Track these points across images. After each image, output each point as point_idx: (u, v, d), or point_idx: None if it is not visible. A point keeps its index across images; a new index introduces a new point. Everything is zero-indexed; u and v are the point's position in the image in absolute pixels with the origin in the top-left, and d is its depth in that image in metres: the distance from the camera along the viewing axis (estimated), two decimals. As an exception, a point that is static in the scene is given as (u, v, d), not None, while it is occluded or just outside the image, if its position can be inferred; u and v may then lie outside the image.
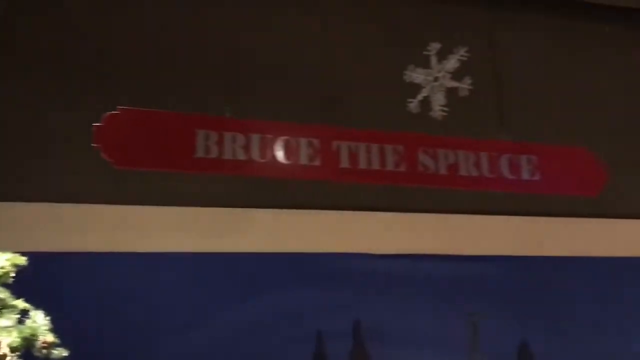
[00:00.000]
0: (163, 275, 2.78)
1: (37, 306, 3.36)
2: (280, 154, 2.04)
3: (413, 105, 2.28)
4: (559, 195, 2.59)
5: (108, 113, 1.99)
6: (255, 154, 2.01)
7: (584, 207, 3.28)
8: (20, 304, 3.88)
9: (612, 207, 3.36)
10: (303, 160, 2.05)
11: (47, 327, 2.63)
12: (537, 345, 3.26)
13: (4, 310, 3.49)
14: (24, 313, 3.55)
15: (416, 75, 2.28)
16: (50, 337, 2.56)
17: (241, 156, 2.00)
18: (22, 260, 4.16)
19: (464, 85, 2.23)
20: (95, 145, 1.94)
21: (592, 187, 2.38)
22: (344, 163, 2.10)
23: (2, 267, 3.90)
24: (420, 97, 2.27)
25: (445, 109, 2.23)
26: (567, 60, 3.54)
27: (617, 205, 3.39)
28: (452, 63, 2.23)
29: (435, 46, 2.24)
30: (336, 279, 3.00)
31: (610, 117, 3.51)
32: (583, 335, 3.32)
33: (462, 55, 2.21)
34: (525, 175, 2.25)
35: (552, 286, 3.36)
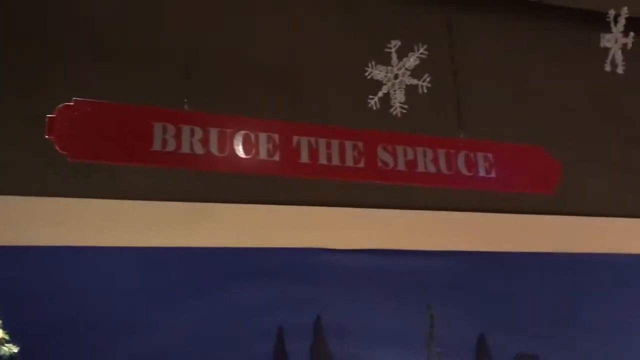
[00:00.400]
0: (118, 270, 2.73)
1: (-12, 302, 3.27)
2: (239, 149, 2.02)
3: (373, 102, 2.29)
4: (515, 193, 2.64)
5: (62, 104, 1.93)
6: (213, 148, 1.99)
7: (539, 204, 3.36)
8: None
9: (567, 204, 3.46)
10: (262, 155, 2.03)
11: (-3, 323, 2.55)
12: (495, 338, 3.35)
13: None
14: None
15: (377, 72, 2.28)
16: None
17: (199, 150, 1.98)
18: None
19: (423, 83, 2.25)
20: (48, 137, 1.88)
21: (546, 185, 2.42)
22: (304, 158, 2.09)
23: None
24: (380, 94, 2.27)
25: (404, 106, 2.24)
26: (524, 59, 3.63)
27: (571, 203, 3.49)
28: (411, 60, 2.24)
29: (395, 43, 2.25)
30: (295, 274, 3.03)
31: (565, 116, 3.61)
32: (540, 330, 3.44)
33: (421, 53, 2.22)
34: (482, 173, 2.28)
35: (509, 281, 3.46)
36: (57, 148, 1.87)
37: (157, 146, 1.93)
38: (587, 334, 3.54)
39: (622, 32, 2.43)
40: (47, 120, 1.89)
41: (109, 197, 2.72)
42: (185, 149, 1.95)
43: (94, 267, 2.85)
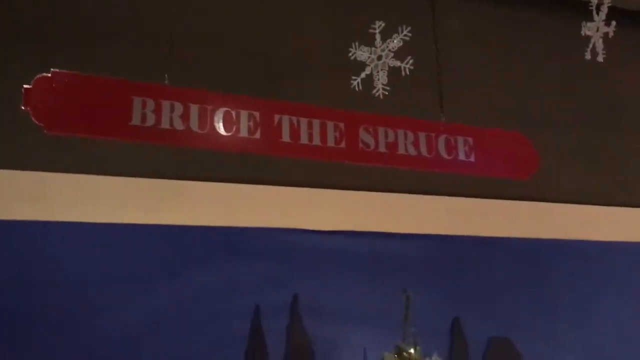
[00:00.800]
0: (93, 246, 2.68)
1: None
2: (219, 126, 2.00)
3: (356, 82, 2.28)
4: (492, 177, 2.67)
5: (39, 75, 1.89)
6: (193, 125, 1.97)
7: (515, 190, 3.40)
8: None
9: (543, 191, 3.51)
10: (243, 132, 2.02)
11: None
12: (469, 322, 3.43)
13: None
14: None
15: (361, 52, 2.27)
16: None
17: (179, 126, 1.95)
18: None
19: (406, 65, 2.24)
20: (24, 108, 1.84)
21: (524, 171, 2.45)
22: (285, 137, 2.08)
23: None
24: (363, 75, 2.27)
25: (387, 87, 2.24)
26: (507, 45, 3.64)
27: (547, 189, 3.54)
28: (395, 42, 2.23)
29: (380, 24, 2.24)
30: (273, 254, 3.03)
31: (545, 103, 3.64)
32: (513, 314, 3.50)
33: (405, 35, 2.21)
34: (461, 156, 2.30)
35: (484, 265, 3.51)
36: (34, 119, 1.84)
37: (136, 121, 1.90)
38: (559, 318, 3.61)
39: (604, 20, 2.45)
40: (23, 91, 1.85)
41: (84, 172, 2.68)
42: (164, 124, 1.93)
43: (65, 243, 2.81)
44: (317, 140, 2.13)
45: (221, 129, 2.00)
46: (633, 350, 3.63)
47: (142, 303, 2.89)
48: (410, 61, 2.22)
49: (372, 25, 2.25)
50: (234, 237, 3.12)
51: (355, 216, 3.29)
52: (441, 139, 2.29)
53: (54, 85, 1.89)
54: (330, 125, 2.15)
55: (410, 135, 2.25)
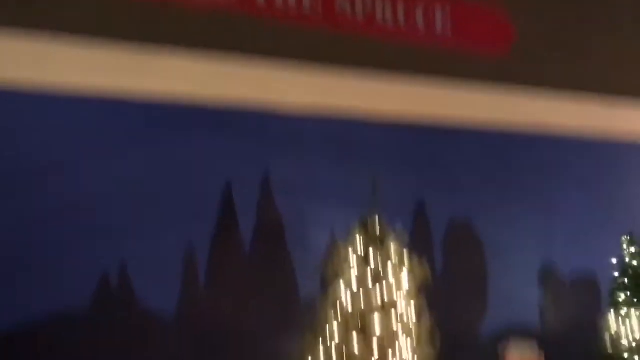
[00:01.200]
0: (57, 114, 2.59)
1: None
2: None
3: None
4: (466, 57, 2.63)
5: None
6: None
7: (490, 70, 3.36)
8: None
9: (517, 72, 3.48)
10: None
11: None
12: (433, 204, 3.56)
13: None
14: None
15: None
16: None
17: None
18: None
19: None
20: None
21: (500, 46, 2.44)
22: (259, -1, 2.00)
23: None
24: None
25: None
26: None
27: (521, 73, 3.51)
28: None
29: None
30: (246, 132, 3.04)
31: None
32: (475, 200, 3.63)
33: None
34: (438, 27, 2.26)
35: (451, 152, 3.60)
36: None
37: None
38: (521, 206, 3.75)
39: None
40: None
41: (44, 28, 2.54)
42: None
43: (22, 109, 2.72)
44: (292, 3, 2.06)
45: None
46: (587, 237, 3.84)
47: (111, 173, 2.89)
48: None
49: None
50: (205, 112, 3.08)
51: (326, 97, 3.24)
52: (419, 8, 2.23)
53: None
54: (306, -14, 2.07)
55: (389, 2, 2.19)
